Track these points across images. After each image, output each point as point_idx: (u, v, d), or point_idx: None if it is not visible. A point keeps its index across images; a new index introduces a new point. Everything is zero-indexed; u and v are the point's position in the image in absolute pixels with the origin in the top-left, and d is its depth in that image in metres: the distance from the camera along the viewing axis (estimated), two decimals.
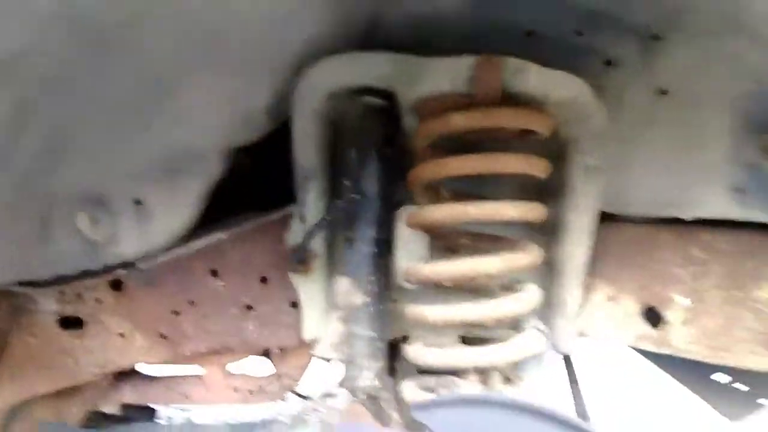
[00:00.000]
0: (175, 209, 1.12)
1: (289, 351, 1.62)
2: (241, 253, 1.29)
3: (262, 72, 1.01)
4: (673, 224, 1.19)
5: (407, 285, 1.06)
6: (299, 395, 2.12)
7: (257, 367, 1.77)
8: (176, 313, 1.33)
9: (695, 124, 1.02)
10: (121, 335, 1.35)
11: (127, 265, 1.24)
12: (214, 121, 1.04)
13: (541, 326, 1.11)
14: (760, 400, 1.61)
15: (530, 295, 1.01)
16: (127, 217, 1.11)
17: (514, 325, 1.15)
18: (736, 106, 0.99)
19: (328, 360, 0.95)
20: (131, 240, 1.14)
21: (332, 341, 0.97)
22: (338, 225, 1.15)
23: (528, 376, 1.14)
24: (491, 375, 1.08)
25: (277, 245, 1.26)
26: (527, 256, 0.98)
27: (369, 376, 1.11)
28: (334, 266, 1.22)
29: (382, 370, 1.14)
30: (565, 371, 1.97)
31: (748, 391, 1.62)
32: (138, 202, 1.11)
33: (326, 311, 1.24)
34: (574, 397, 1.82)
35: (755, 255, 1.17)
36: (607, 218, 1.18)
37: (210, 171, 1.09)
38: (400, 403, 1.17)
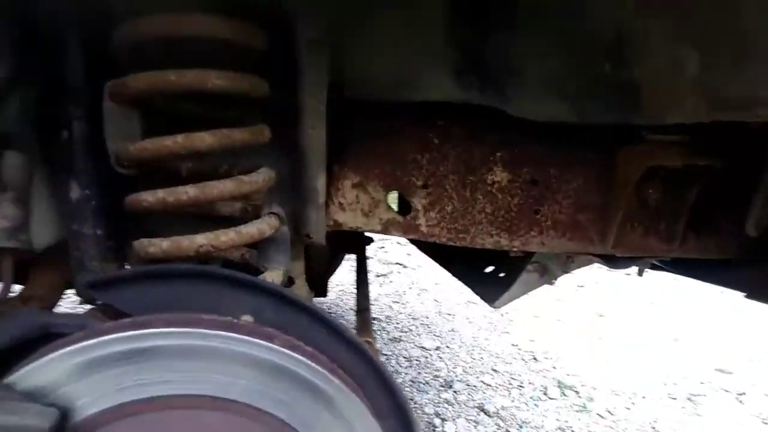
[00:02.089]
0: None
1: (32, 268, 1.43)
2: None
3: None
4: (412, 111, 1.23)
5: (121, 170, 0.96)
6: None
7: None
8: None
9: (415, 4, 1.03)
10: None
11: None
12: None
13: (281, 212, 1.08)
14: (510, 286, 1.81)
15: (257, 176, 0.97)
16: None
17: (258, 215, 1.11)
18: None
19: (2, 250, 0.83)
20: None
21: (4, 227, 0.84)
22: (42, 105, 1.00)
23: (276, 265, 1.12)
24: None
25: None
26: (248, 132, 0.93)
27: None
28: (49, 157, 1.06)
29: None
30: (356, 265, 2.05)
31: (504, 276, 1.82)
32: None
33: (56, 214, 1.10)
34: (359, 290, 1.91)
35: (484, 141, 1.25)
36: (349, 105, 1.17)
37: None
38: None
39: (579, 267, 1.63)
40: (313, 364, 0.73)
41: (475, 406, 2.96)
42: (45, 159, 1.04)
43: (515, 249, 1.36)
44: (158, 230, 1.22)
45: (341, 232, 1.43)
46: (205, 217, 1.18)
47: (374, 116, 1.21)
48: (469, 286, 1.95)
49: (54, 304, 1.48)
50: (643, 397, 3.23)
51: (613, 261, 1.45)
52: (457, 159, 1.25)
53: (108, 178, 1.03)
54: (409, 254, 5.65)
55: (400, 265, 5.53)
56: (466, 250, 1.43)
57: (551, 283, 1.60)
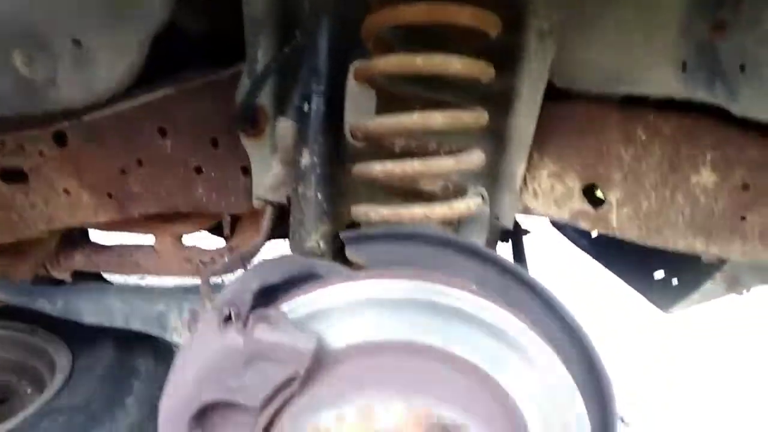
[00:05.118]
0: (117, 54, 1.07)
1: (241, 222, 1.64)
2: (190, 113, 1.26)
3: None
4: (620, 103, 1.21)
5: (353, 142, 1.06)
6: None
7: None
8: (123, 172, 1.31)
9: None
10: (67, 192, 1.33)
11: (69, 115, 1.21)
12: None
13: (485, 193, 1.13)
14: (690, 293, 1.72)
15: (472, 156, 1.03)
16: (66, 58, 1.06)
17: (460, 192, 1.17)
18: None
19: (267, 202, 0.96)
20: (72, 84, 1.09)
21: (271, 183, 0.97)
22: (288, 82, 1.13)
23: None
24: None
25: (229, 106, 1.23)
26: (472, 115, 0.99)
27: (315, 239, 1.13)
28: None
29: (329, 233, 1.16)
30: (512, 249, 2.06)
31: (678, 284, 1.73)
32: (77, 43, 1.06)
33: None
34: None
35: (695, 140, 1.20)
36: (556, 94, 1.18)
37: (152, 14, 1.04)
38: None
39: None
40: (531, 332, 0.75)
41: None
42: None
43: (711, 255, 1.30)
44: (358, 199, 1.34)
45: None
46: (407, 192, 1.27)
47: (580, 106, 1.21)
48: (639, 291, 1.88)
49: (254, 254, 1.67)
50: None
51: None
52: (662, 157, 1.21)
53: (332, 149, 1.14)
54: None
55: None
56: (634, 251, 1.37)
57: (740, 293, 1.50)
